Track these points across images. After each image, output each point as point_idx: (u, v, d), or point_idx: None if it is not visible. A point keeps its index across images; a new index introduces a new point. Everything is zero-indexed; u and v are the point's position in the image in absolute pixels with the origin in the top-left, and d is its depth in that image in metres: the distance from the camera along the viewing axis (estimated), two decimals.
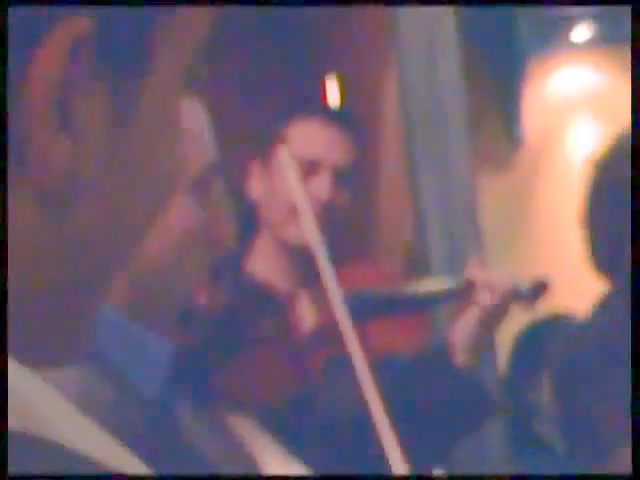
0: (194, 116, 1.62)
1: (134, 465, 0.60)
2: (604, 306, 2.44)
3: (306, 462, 1.72)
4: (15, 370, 0.56)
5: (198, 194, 1.62)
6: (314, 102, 3.16)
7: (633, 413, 1.92)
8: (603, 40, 4.30)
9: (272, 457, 1.74)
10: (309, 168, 2.29)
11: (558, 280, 2.20)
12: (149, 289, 1.55)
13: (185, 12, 0.61)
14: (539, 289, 2.16)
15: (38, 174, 0.56)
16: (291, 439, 1.83)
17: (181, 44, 0.61)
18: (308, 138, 2.38)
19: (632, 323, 2.07)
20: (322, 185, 2.30)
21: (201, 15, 0.63)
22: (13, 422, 0.55)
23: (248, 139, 2.24)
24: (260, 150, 2.30)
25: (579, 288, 2.60)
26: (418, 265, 2.89)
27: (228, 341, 1.86)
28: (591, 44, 4.33)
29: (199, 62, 0.63)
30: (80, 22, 0.54)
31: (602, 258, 2.47)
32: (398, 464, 1.75)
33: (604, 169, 2.45)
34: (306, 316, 2.08)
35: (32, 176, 0.56)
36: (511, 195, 4.38)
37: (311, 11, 3.58)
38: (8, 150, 0.56)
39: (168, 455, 1.43)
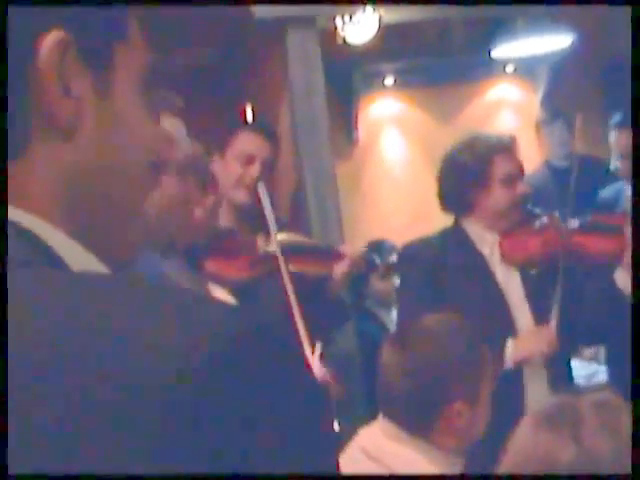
0: (174, 125, 2.04)
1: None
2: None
3: None
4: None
5: (181, 174, 2.07)
6: (244, 121, 4.12)
7: (633, 413, 1.83)
8: (403, 85, 5.75)
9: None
10: (248, 159, 3.25)
11: (393, 235, 3.39)
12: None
13: (133, 41, 0.75)
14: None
15: (50, 121, 0.69)
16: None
17: (133, 63, 0.75)
18: (246, 142, 3.28)
19: (632, 324, 2.18)
20: (256, 169, 3.26)
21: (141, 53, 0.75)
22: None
23: (207, 141, 2.64)
24: (218, 148, 3.24)
25: (409, 234, 3.36)
26: (301, 218, 3.94)
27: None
28: (395, 87, 5.76)
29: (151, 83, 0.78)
30: (60, 33, 0.67)
31: (445, 203, 3.12)
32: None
33: (444, 156, 3.11)
34: (257, 244, 2.98)
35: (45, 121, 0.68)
36: (349, 176, 5.56)
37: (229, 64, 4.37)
38: (7, 151, 0.67)
39: None
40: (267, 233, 2.87)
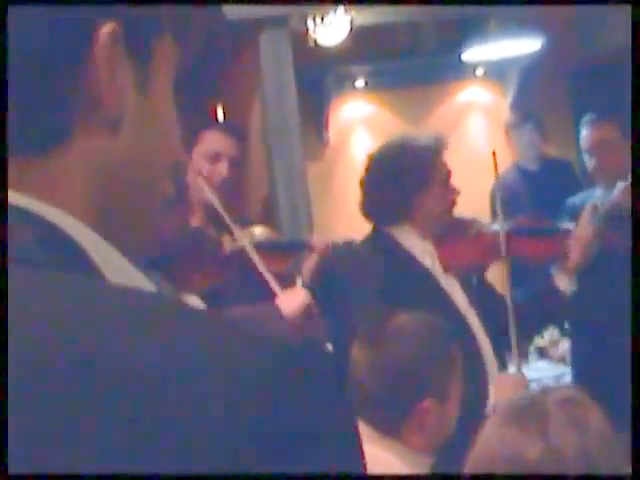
0: None
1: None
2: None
3: None
4: None
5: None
6: (214, 120, 4.24)
7: (633, 413, 1.83)
8: (374, 87, 5.79)
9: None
10: (215, 158, 3.21)
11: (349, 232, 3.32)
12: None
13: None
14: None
15: (100, 110, 0.69)
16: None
17: (168, 61, 0.76)
18: (212, 140, 3.25)
19: (632, 321, 2.17)
20: (224, 167, 3.20)
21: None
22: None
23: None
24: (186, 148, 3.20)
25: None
26: (271, 217, 4.00)
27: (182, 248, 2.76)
28: (366, 89, 5.80)
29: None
30: (113, 24, 0.68)
31: (370, 210, 3.03)
32: None
33: (373, 161, 3.04)
34: (224, 243, 2.98)
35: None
36: (320, 177, 5.62)
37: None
38: (7, 151, 0.65)
39: None
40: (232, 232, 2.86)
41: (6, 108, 0.66)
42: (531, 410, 1.45)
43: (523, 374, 2.91)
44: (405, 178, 2.89)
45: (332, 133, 5.77)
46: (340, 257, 3.04)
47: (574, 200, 3.77)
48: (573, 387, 2.93)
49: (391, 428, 2.12)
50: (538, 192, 5.14)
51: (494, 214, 4.88)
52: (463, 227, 3.07)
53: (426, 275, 2.94)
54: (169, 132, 0.76)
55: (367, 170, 3.02)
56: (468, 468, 1.48)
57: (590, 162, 3.67)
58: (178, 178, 2.24)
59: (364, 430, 2.13)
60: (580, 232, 3.08)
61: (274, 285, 2.55)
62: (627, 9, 2.51)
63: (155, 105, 0.74)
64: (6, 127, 0.66)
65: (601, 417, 1.46)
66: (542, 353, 4.51)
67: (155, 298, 0.66)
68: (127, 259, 0.70)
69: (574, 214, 3.43)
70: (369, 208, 3.00)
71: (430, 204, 2.93)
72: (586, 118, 3.75)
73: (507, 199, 5.17)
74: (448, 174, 2.98)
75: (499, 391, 2.81)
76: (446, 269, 2.97)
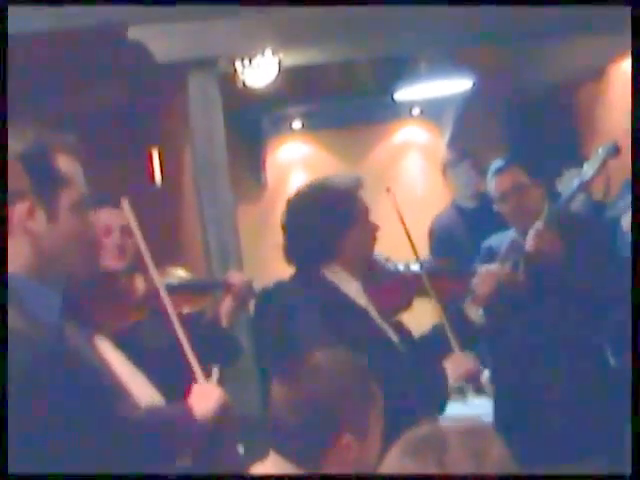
0: (69, 164, 1.94)
1: None
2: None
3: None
4: None
5: (74, 213, 1.98)
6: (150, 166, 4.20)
7: (633, 413, 1.87)
8: (310, 128, 5.85)
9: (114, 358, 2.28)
10: (107, 230, 3.14)
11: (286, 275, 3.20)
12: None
13: None
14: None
15: None
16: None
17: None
18: (102, 217, 3.13)
19: (632, 324, 2.20)
20: (117, 237, 3.16)
21: None
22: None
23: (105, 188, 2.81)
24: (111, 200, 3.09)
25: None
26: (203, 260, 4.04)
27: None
28: (303, 130, 5.86)
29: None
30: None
31: (294, 253, 2.98)
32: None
33: (294, 204, 2.99)
34: (140, 286, 2.98)
35: None
36: (257, 219, 5.66)
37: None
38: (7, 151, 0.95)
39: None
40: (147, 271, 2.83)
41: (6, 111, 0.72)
42: (430, 442, 1.45)
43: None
44: (327, 218, 2.88)
45: (270, 175, 5.80)
46: (269, 294, 3.08)
47: (490, 242, 3.86)
48: (477, 419, 3.06)
49: (310, 463, 2.11)
50: (475, 229, 5.17)
51: (430, 252, 5.07)
52: (381, 266, 3.11)
53: (360, 312, 2.94)
54: None
55: (288, 214, 2.99)
56: None
57: (504, 209, 3.71)
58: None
59: (281, 464, 2.12)
60: (490, 270, 3.29)
61: (196, 367, 2.50)
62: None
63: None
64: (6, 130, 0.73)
65: (501, 447, 1.46)
66: (480, 390, 4.49)
67: None
68: None
69: (490, 255, 3.60)
70: (292, 251, 2.96)
71: (352, 242, 2.93)
72: (494, 166, 3.79)
73: (444, 237, 5.26)
74: (366, 211, 2.99)
75: (456, 366, 2.95)
76: (377, 309, 2.98)
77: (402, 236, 3.17)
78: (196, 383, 2.38)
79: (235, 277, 3.29)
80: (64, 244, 1.88)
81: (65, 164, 1.85)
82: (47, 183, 1.83)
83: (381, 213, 3.08)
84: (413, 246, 3.14)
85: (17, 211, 1.81)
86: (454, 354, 2.98)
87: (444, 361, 2.95)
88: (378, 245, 3.02)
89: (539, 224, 3.52)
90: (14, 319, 1.63)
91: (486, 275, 3.24)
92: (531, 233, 3.52)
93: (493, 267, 3.35)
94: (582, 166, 3.72)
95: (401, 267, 3.19)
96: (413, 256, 3.14)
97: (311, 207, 2.91)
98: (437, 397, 2.94)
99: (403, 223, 3.10)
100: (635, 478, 1.67)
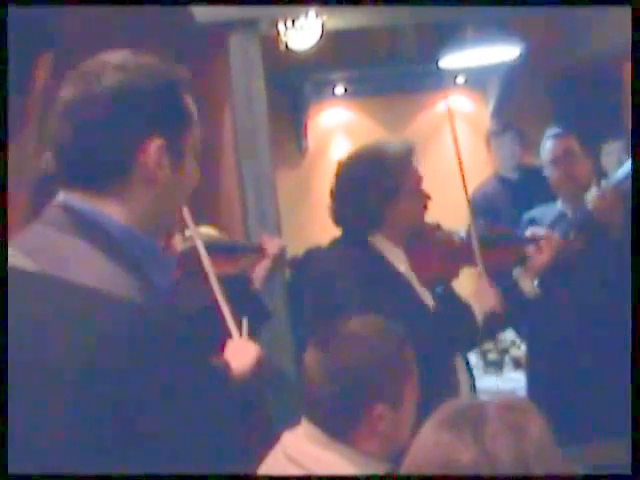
0: None
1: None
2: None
3: None
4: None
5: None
6: None
7: (633, 413, 1.83)
8: (353, 94, 5.76)
9: None
10: None
11: (324, 240, 3.18)
12: None
13: None
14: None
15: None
16: None
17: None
18: None
19: (632, 321, 2.16)
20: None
21: None
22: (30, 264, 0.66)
23: None
24: None
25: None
26: (240, 224, 3.92)
27: None
28: (346, 96, 5.78)
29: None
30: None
31: (342, 218, 2.99)
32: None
33: (343, 169, 3.00)
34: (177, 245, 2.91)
35: None
36: (298, 185, 5.66)
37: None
38: (7, 150, 0.70)
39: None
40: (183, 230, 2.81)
41: (6, 111, 0.69)
42: (467, 415, 1.41)
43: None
44: (376, 186, 2.86)
45: (311, 140, 5.74)
46: (310, 259, 2.96)
47: (533, 213, 3.92)
48: (516, 395, 3.00)
49: (342, 432, 2.09)
50: (517, 201, 5.11)
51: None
52: (430, 233, 3.07)
53: (401, 279, 2.91)
54: None
55: (337, 178, 2.97)
56: (403, 470, 1.44)
57: (553, 174, 3.76)
58: None
59: (312, 432, 2.09)
60: (546, 238, 3.18)
61: (231, 324, 2.46)
62: (625, 10, 2.51)
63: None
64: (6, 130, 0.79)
65: (541, 423, 1.41)
66: (518, 364, 4.46)
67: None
68: None
69: (533, 227, 3.50)
70: (340, 216, 2.95)
71: (401, 211, 2.90)
72: (550, 132, 3.87)
73: (486, 207, 5.20)
74: (419, 180, 2.95)
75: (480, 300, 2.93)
76: (419, 276, 2.95)
77: (450, 203, 3.15)
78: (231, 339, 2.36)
79: (270, 241, 3.27)
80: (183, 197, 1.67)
81: (189, 102, 1.63)
82: (178, 122, 1.58)
83: (426, 181, 3.01)
84: (465, 187, 3.13)
85: (150, 155, 1.51)
86: (479, 286, 2.95)
87: (469, 297, 2.94)
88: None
89: (606, 184, 3.54)
90: (127, 285, 1.34)
91: (546, 242, 3.13)
92: (594, 193, 3.51)
93: (554, 235, 3.24)
94: (627, 141, 3.76)
95: (451, 235, 3.15)
96: (465, 201, 3.13)
97: (360, 173, 2.88)
98: (467, 332, 2.93)
99: (457, 151, 3.10)
100: (635, 478, 1.62)
